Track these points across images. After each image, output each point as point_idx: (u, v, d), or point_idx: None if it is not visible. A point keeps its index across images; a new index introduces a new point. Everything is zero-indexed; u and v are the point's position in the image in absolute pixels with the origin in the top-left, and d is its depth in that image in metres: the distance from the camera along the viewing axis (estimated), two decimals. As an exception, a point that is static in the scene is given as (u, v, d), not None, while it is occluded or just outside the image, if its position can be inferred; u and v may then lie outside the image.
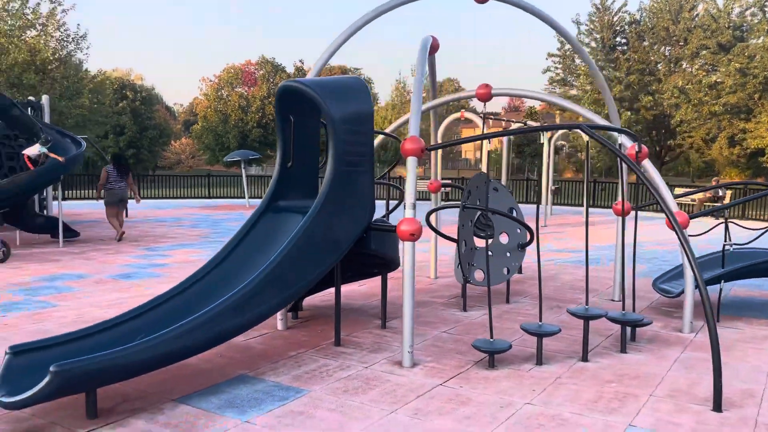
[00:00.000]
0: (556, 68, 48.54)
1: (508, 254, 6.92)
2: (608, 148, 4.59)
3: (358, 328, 5.74)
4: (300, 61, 53.29)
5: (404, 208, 4.61)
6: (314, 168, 5.14)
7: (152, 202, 23.69)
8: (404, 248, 4.59)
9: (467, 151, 68.92)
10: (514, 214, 7.03)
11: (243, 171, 23.39)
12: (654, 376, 4.56)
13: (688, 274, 5.77)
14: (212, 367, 4.59)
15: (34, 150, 10.94)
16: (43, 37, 29.39)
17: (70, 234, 11.97)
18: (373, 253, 5.00)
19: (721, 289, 6.31)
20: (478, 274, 6.82)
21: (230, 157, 24.73)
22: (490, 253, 6.84)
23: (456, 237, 6.45)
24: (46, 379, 3.19)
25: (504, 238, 6.98)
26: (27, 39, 28.94)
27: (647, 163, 5.88)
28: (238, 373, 4.46)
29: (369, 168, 4.85)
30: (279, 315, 5.66)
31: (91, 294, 7.16)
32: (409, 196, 4.60)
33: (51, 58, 28.21)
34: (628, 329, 5.44)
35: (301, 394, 4.07)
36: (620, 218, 6.91)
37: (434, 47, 6.41)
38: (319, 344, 5.21)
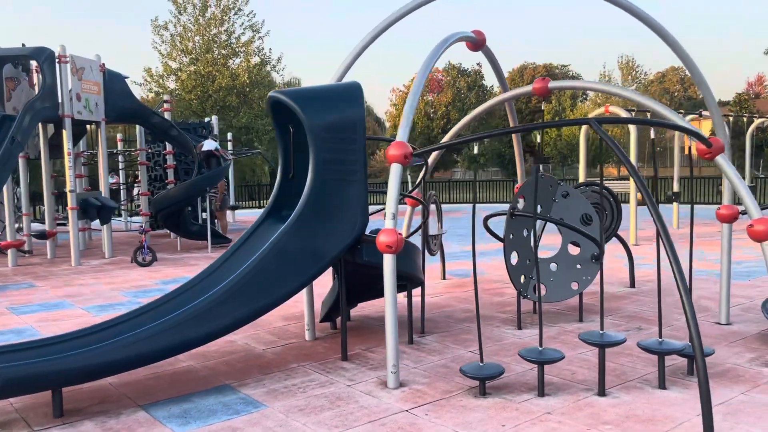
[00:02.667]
0: (782, 47, 42.21)
1: (579, 266, 6.14)
2: (612, 148, 3.83)
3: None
4: (477, 64, 53.02)
5: (385, 218, 4.34)
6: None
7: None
8: (385, 260, 4.31)
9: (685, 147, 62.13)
10: (590, 222, 6.22)
11: (409, 178, 23.79)
12: (671, 420, 3.71)
13: (776, 295, 4.62)
14: (207, 375, 4.73)
15: (209, 145, 12.52)
16: (244, 63, 32.82)
17: (221, 240, 13.17)
18: (367, 264, 4.76)
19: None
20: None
21: (413, 163, 25.21)
22: (554, 265, 6.18)
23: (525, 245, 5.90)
24: (-13, 380, 3.54)
25: (574, 249, 6.22)
26: (231, 66, 32.58)
27: (721, 159, 4.84)
28: (223, 383, 4.54)
29: (359, 177, 4.63)
30: (306, 325, 5.65)
31: (186, 298, 7.79)
32: (391, 205, 4.30)
33: (247, 81, 31.33)
34: (682, 361, 4.53)
35: (257, 410, 4.01)
36: (725, 224, 5.83)
37: (479, 42, 5.97)
38: (328, 358, 5.10)
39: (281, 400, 4.16)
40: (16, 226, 11.96)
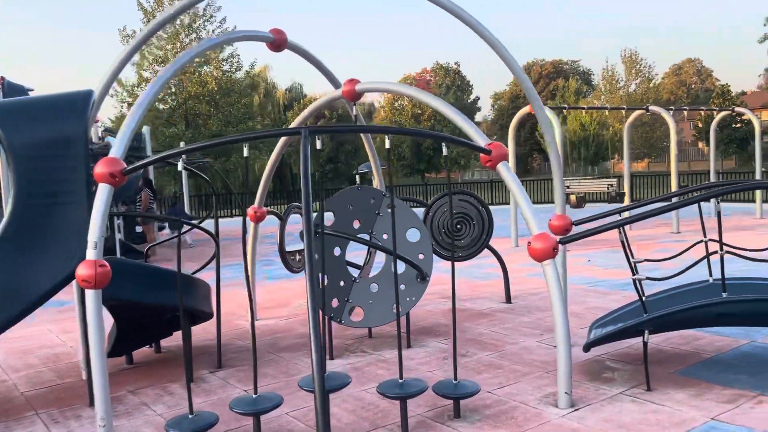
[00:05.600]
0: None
1: (403, 287, 5.52)
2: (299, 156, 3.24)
3: (173, 380, 4.93)
4: (455, 63, 53.11)
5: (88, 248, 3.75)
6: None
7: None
8: (87, 298, 3.72)
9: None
10: (417, 237, 5.61)
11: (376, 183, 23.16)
12: (367, 488, 3.10)
13: (559, 321, 4.00)
14: None
15: None
16: (215, 71, 32.42)
17: (134, 254, 12.65)
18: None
19: (645, 342, 4.29)
20: (355, 313, 5.57)
21: (361, 170, 24.60)
22: (375, 285, 5.60)
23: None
24: None
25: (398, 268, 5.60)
26: (201, 73, 32.18)
27: (502, 167, 4.21)
28: (-75, 439, 3.99)
29: (77, 199, 4.05)
30: (81, 363, 5.08)
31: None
32: (93, 233, 3.72)
33: (216, 88, 30.93)
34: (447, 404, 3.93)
35: None
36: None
37: (279, 42, 5.40)
38: (75, 404, 4.52)
39: (-41, 463, 3.61)
40: None
